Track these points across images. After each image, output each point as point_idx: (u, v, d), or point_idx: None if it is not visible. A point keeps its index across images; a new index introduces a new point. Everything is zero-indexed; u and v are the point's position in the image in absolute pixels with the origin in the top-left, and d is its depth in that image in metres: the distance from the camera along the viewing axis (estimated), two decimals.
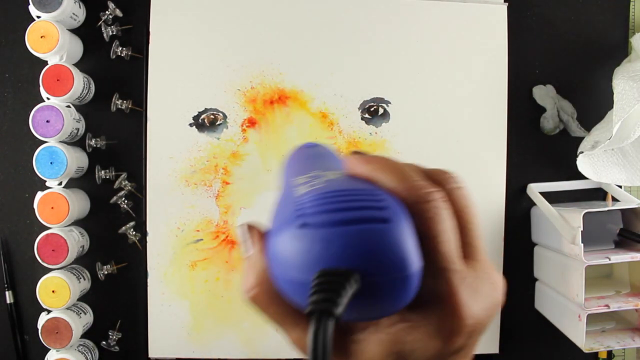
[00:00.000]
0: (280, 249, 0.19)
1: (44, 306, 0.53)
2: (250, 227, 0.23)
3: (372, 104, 0.60)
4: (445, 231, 0.20)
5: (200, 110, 0.58)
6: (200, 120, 0.58)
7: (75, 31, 0.57)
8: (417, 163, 0.23)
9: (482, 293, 0.21)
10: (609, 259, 0.52)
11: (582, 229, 0.51)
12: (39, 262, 0.53)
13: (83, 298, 0.57)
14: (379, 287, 0.18)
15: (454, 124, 0.61)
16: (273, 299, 0.21)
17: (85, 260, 0.58)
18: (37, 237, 0.53)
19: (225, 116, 0.58)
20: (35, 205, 0.54)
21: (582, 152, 0.57)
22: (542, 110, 0.62)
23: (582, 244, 0.51)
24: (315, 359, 0.17)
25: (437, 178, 0.22)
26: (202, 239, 0.58)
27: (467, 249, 0.22)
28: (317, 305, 0.17)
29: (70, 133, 0.55)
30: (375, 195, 0.20)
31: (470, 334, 0.21)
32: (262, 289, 0.21)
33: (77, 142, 0.58)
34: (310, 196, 0.20)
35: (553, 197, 0.62)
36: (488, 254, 0.23)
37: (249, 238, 0.23)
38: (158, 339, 0.58)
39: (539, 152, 0.63)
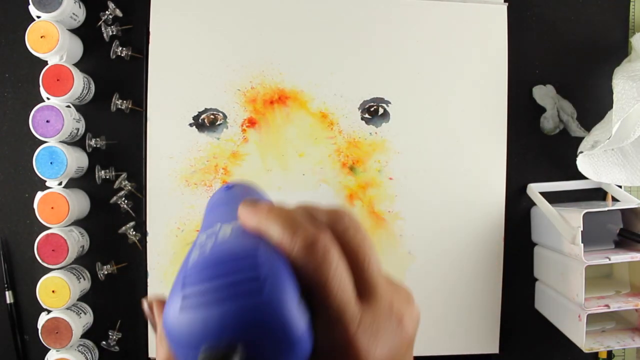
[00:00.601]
0: (168, 326, 0.20)
1: (44, 306, 0.53)
2: (152, 301, 0.23)
3: (372, 104, 0.60)
4: (334, 277, 0.19)
5: (200, 110, 0.58)
6: (200, 120, 0.58)
7: (75, 31, 0.57)
8: (309, 204, 0.23)
9: (384, 333, 0.20)
10: (609, 259, 0.52)
11: (582, 229, 0.51)
12: (39, 262, 0.53)
13: (83, 298, 0.57)
14: (266, 355, 0.19)
15: (454, 123, 0.61)
16: None
17: (85, 260, 0.58)
18: (37, 237, 0.53)
19: (225, 116, 0.58)
20: (35, 205, 0.54)
21: (582, 152, 0.57)
22: (542, 110, 0.62)
23: (582, 244, 0.51)
24: None
25: (328, 219, 0.22)
26: None
27: (363, 287, 0.21)
28: None
29: (70, 133, 0.55)
30: (252, 262, 0.20)
31: None
32: None
33: (77, 142, 0.58)
34: (194, 267, 0.21)
35: (553, 197, 0.62)
36: (387, 286, 0.22)
37: (150, 313, 0.23)
38: None
39: (539, 152, 0.63)
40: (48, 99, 0.54)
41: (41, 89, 0.53)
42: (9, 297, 0.57)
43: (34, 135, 0.53)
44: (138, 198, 0.58)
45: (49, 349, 0.54)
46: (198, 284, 0.20)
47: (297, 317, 0.19)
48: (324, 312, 0.19)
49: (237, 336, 0.19)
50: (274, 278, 0.19)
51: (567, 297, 0.55)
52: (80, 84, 0.54)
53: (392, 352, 0.20)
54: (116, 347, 0.58)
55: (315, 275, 0.19)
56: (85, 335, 0.57)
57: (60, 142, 0.54)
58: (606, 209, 0.56)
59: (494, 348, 0.61)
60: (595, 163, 0.59)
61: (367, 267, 0.21)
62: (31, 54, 0.53)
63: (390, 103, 0.60)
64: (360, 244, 0.21)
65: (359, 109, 0.60)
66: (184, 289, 0.20)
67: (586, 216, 0.51)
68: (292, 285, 0.20)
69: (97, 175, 0.58)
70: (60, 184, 0.55)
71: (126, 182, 0.58)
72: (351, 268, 0.20)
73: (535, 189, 0.61)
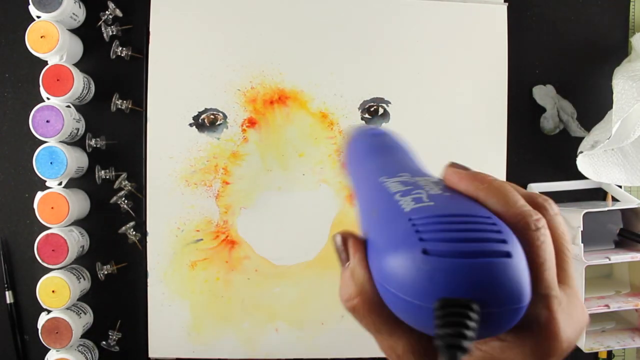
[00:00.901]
0: (395, 270, 0.20)
1: (44, 306, 0.53)
2: (348, 236, 0.23)
3: (372, 104, 0.60)
4: (550, 259, 0.21)
5: (200, 110, 0.58)
6: (200, 120, 0.58)
7: (75, 31, 0.57)
8: (512, 185, 0.23)
9: (574, 318, 0.22)
10: (609, 259, 0.52)
11: (582, 229, 0.51)
12: (39, 262, 0.53)
13: (83, 298, 0.57)
14: (493, 317, 0.19)
15: (454, 123, 0.61)
16: (372, 310, 0.22)
17: (85, 260, 0.58)
18: (37, 237, 0.53)
19: (225, 116, 0.58)
20: (35, 205, 0.54)
21: (582, 152, 0.57)
22: (542, 110, 0.62)
23: (582, 244, 0.51)
24: None
25: (537, 202, 0.23)
26: (202, 239, 0.58)
27: (562, 275, 0.22)
28: (449, 340, 0.18)
29: (70, 133, 0.55)
30: (494, 225, 0.20)
31: (561, 355, 0.21)
32: (362, 299, 0.22)
33: (77, 142, 0.58)
34: (426, 216, 0.20)
35: (553, 197, 0.61)
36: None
37: (346, 248, 0.23)
38: (158, 339, 0.58)
39: (539, 152, 0.63)
40: (48, 99, 0.54)
41: (41, 89, 0.53)
42: (9, 297, 0.57)
43: (34, 135, 0.53)
44: (138, 198, 0.58)
45: (49, 349, 0.54)
46: (441, 235, 0.19)
47: (529, 285, 0.19)
48: (534, 287, 0.20)
49: (477, 294, 0.18)
50: (517, 245, 0.20)
51: None
52: (80, 84, 0.54)
53: (575, 334, 0.22)
54: (116, 347, 0.58)
55: (533, 253, 0.20)
56: (85, 335, 0.57)
57: (60, 142, 0.54)
58: (606, 209, 0.56)
59: None
60: (595, 163, 0.59)
61: (568, 255, 0.23)
62: (31, 54, 0.53)
63: (390, 103, 0.60)
64: (564, 234, 0.23)
65: (359, 109, 0.60)
66: (420, 234, 0.19)
67: (586, 216, 0.51)
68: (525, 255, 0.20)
69: (97, 175, 0.58)
70: (60, 184, 0.55)
71: (126, 182, 0.58)
72: (555, 253, 0.22)
73: (535, 189, 0.61)
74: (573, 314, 0.22)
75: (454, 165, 0.24)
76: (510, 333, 0.21)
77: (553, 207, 0.23)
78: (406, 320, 0.20)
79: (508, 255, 0.19)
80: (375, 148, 0.30)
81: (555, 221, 0.23)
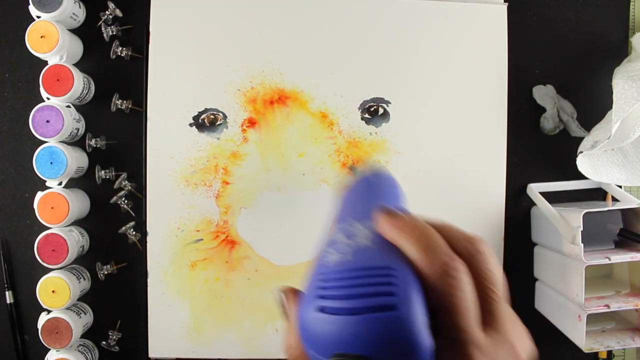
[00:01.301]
0: (304, 324, 0.21)
1: (44, 306, 0.53)
2: (287, 292, 0.24)
3: (372, 104, 0.60)
4: (466, 304, 0.21)
5: (200, 110, 0.58)
6: (200, 120, 0.58)
7: (75, 31, 0.57)
8: (446, 223, 0.24)
9: None
10: (609, 259, 0.52)
11: (582, 229, 0.51)
12: (39, 262, 0.53)
13: (83, 298, 0.57)
14: None
15: (454, 123, 0.61)
16: None
17: (85, 260, 0.58)
18: (37, 237, 0.53)
19: (225, 116, 0.58)
20: (35, 205, 0.54)
21: (582, 152, 0.57)
22: (542, 110, 0.62)
23: (582, 244, 0.51)
24: None
25: (462, 245, 0.23)
26: (202, 239, 0.58)
27: (488, 318, 0.22)
28: None
29: (70, 133, 0.55)
30: (387, 277, 0.21)
31: None
32: (299, 352, 0.22)
33: (77, 142, 0.58)
34: (333, 271, 0.21)
35: (553, 197, 0.62)
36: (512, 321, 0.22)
37: (285, 304, 0.24)
38: (158, 339, 0.58)
39: (539, 152, 0.63)
40: (48, 99, 0.54)
41: (41, 89, 0.53)
42: (9, 297, 0.57)
43: (34, 135, 0.53)
44: (138, 198, 0.58)
45: (49, 349, 0.54)
46: (337, 290, 0.20)
47: (426, 335, 0.20)
48: (448, 333, 0.20)
49: (366, 348, 0.19)
50: (409, 294, 0.20)
51: (567, 297, 0.55)
52: (80, 84, 0.54)
53: None
54: (116, 347, 0.58)
55: (446, 298, 0.20)
56: (85, 335, 0.57)
57: (60, 142, 0.54)
58: (606, 209, 0.56)
59: None
60: (595, 163, 0.59)
61: (495, 298, 0.22)
62: (31, 54, 0.53)
63: (390, 103, 0.60)
64: (491, 275, 0.22)
65: (359, 109, 0.60)
66: (324, 291, 0.21)
67: (586, 216, 0.51)
68: (423, 304, 0.20)
69: (97, 175, 0.58)
70: (60, 184, 0.55)
71: (126, 182, 0.58)
72: (480, 296, 0.22)
73: (535, 189, 0.61)
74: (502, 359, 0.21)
75: (386, 211, 0.24)
76: None
77: (478, 248, 0.23)
78: None
79: (393, 308, 0.19)
80: (356, 192, 0.31)
81: (479, 264, 0.22)
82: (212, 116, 0.58)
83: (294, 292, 0.24)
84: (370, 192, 0.30)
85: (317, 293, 0.21)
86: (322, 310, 0.20)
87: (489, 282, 0.22)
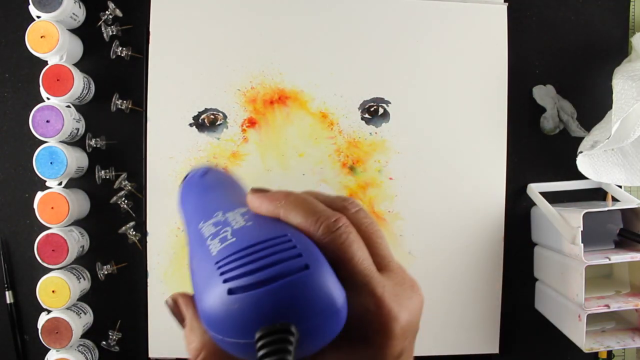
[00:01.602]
0: (213, 314, 0.20)
1: (44, 306, 0.53)
2: (177, 297, 0.24)
3: (372, 104, 0.60)
4: (358, 251, 0.22)
5: (200, 110, 0.58)
6: (200, 120, 0.58)
7: (75, 31, 0.57)
8: (313, 191, 0.25)
9: (403, 297, 0.23)
10: (609, 259, 0.52)
11: (582, 229, 0.51)
12: (39, 262, 0.53)
13: (83, 298, 0.57)
14: (314, 329, 0.19)
15: (454, 123, 0.61)
16: (220, 358, 0.22)
17: (85, 260, 0.58)
18: (37, 237, 0.53)
19: (225, 116, 0.58)
20: (35, 205, 0.54)
21: (582, 152, 0.57)
22: (542, 110, 0.62)
23: (582, 244, 0.51)
24: None
25: (337, 205, 0.24)
26: None
27: (379, 261, 0.23)
28: None
29: (70, 133, 0.55)
30: (289, 242, 0.21)
31: (404, 335, 0.22)
32: (207, 350, 0.22)
33: (77, 142, 0.58)
34: (227, 255, 0.21)
35: (553, 197, 0.62)
36: (400, 262, 0.25)
37: (177, 309, 0.24)
38: (158, 339, 0.58)
39: (539, 152, 0.63)
40: (48, 99, 0.54)
41: (41, 89, 0.53)
42: (9, 297, 0.57)
43: (34, 135, 0.53)
44: (138, 198, 0.58)
45: (49, 349, 0.54)
46: (240, 269, 0.20)
47: (340, 286, 0.20)
48: (352, 282, 0.22)
49: (289, 314, 0.19)
50: (314, 252, 0.21)
51: (567, 297, 0.55)
52: (80, 84, 0.54)
53: (411, 315, 0.23)
54: (116, 347, 0.58)
55: (340, 252, 0.22)
56: (85, 335, 0.57)
57: (60, 142, 0.54)
58: (606, 209, 0.56)
59: (494, 348, 0.61)
60: (595, 163, 0.59)
61: (379, 242, 0.24)
62: (31, 54, 0.53)
63: (390, 103, 0.60)
64: (371, 225, 0.24)
65: (359, 109, 0.60)
66: (225, 275, 0.20)
67: (586, 216, 0.51)
68: (326, 258, 0.21)
69: (97, 175, 0.58)
70: (60, 184, 0.55)
71: (126, 182, 0.58)
72: (367, 243, 0.23)
73: (535, 189, 0.61)
74: (401, 294, 0.23)
75: (253, 190, 0.25)
76: (352, 333, 0.21)
77: (353, 203, 0.24)
78: (246, 358, 0.20)
79: (305, 267, 0.20)
80: (197, 191, 0.31)
81: (358, 216, 0.24)
82: (212, 116, 0.58)
83: (184, 295, 0.24)
84: (215, 183, 0.30)
85: (218, 280, 0.20)
86: (231, 292, 0.19)
87: (372, 229, 0.24)
